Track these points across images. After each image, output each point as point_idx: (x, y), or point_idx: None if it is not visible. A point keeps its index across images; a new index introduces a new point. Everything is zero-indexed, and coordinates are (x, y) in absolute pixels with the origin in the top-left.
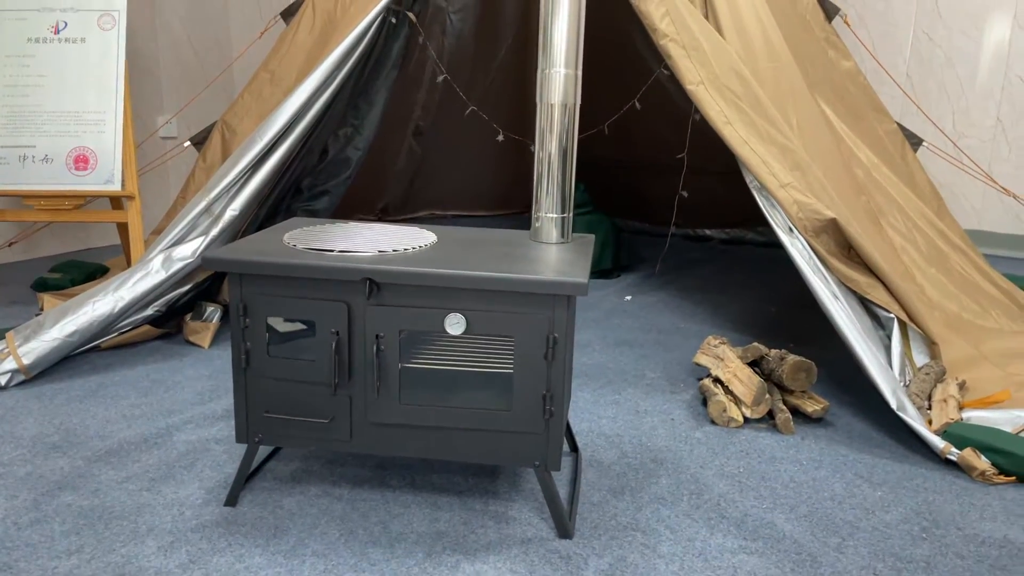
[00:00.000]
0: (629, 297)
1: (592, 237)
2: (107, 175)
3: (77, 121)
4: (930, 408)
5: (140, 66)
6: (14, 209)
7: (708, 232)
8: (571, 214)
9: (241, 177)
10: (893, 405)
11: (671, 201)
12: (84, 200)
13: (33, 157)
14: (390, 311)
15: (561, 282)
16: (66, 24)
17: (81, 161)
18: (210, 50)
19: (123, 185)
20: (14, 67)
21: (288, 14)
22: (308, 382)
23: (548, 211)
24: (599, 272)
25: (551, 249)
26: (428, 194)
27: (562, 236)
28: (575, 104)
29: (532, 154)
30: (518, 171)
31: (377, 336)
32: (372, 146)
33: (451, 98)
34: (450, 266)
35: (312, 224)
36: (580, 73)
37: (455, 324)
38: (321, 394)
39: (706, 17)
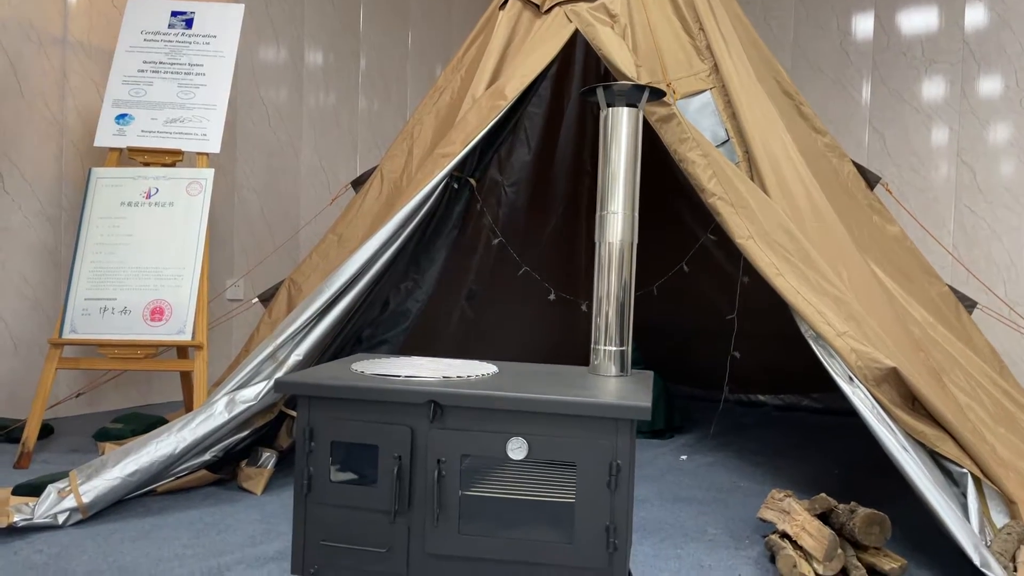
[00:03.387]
0: (685, 457)
1: (651, 372)
2: (180, 326)
3: (157, 276)
4: (1015, 570)
5: (217, 235)
6: (89, 358)
7: (762, 398)
8: (630, 348)
9: (306, 326)
10: (976, 562)
11: (722, 367)
12: (156, 350)
13: (113, 309)
14: (453, 435)
15: (624, 406)
16: (157, 190)
17: (157, 313)
18: (280, 222)
19: (193, 335)
20: (106, 228)
21: (358, 183)
22: (367, 509)
23: (607, 344)
24: (652, 432)
25: (610, 381)
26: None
27: (621, 370)
28: (632, 243)
29: (582, 313)
30: (567, 332)
31: (439, 461)
32: (426, 311)
33: (503, 262)
34: (513, 391)
35: (378, 358)
36: (636, 215)
37: (517, 449)
38: (379, 523)
39: (751, 179)
